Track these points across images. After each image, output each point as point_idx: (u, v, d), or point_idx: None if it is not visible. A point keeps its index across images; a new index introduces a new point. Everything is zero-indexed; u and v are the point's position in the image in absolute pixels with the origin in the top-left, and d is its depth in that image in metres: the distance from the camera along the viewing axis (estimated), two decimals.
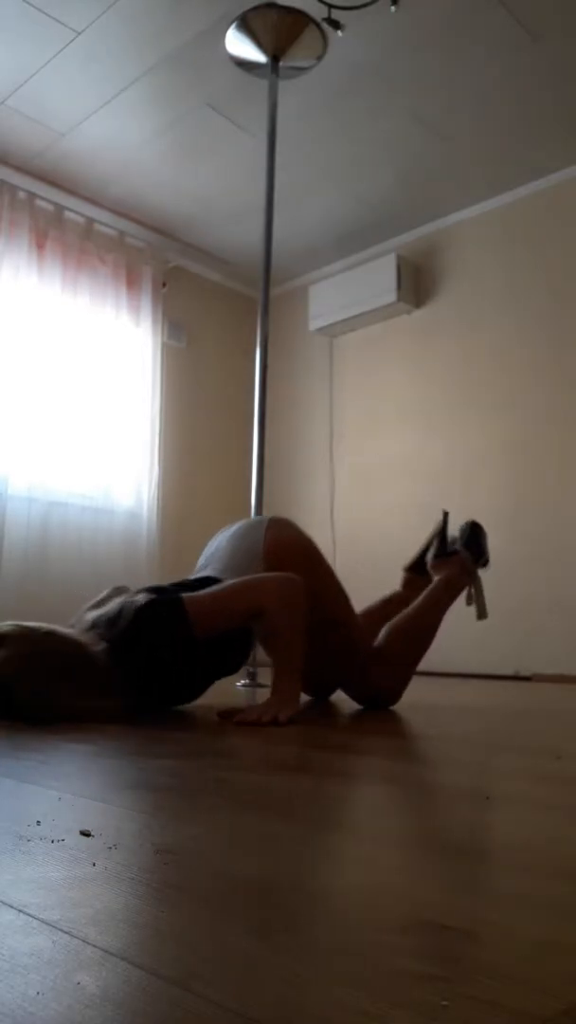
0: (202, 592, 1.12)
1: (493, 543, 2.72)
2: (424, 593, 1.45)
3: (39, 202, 2.75)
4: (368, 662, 1.35)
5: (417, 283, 3.06)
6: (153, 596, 1.11)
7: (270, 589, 1.12)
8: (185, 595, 1.10)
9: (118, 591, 1.26)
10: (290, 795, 0.59)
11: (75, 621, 1.20)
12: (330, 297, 3.15)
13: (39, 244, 2.74)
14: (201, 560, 1.38)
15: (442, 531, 1.50)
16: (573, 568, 2.53)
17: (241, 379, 3.44)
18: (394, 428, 3.09)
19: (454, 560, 1.46)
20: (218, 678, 1.22)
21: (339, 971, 0.27)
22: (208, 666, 1.17)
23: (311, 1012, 0.24)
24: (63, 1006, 0.24)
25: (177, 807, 0.54)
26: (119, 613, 1.11)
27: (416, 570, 1.56)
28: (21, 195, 2.70)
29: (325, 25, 1.95)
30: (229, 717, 1.10)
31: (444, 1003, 0.25)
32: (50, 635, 1.04)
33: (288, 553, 1.29)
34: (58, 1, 1.98)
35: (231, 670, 1.23)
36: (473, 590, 1.49)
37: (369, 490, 3.14)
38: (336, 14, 1.93)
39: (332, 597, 1.31)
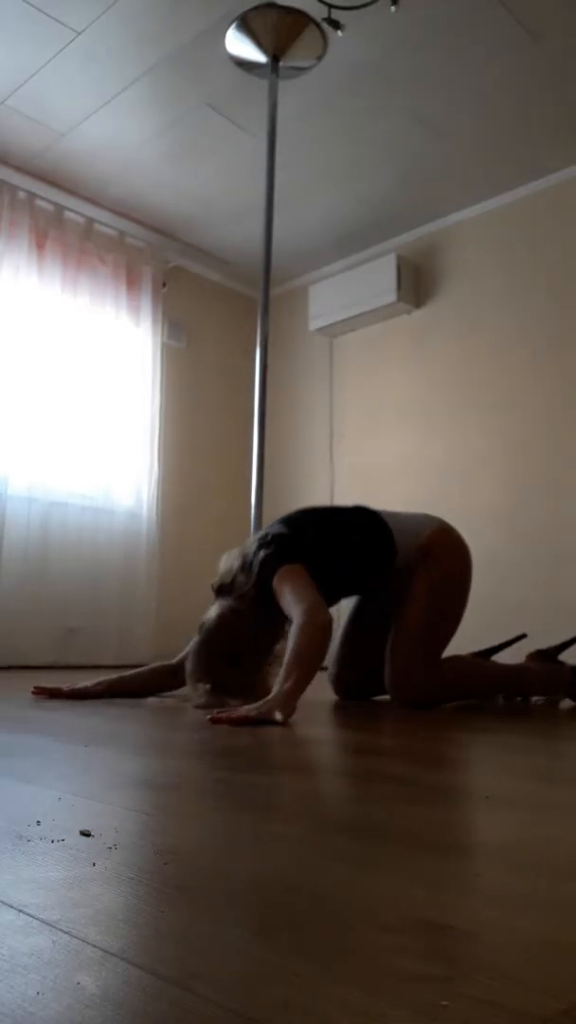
0: (293, 579, 1.26)
1: (493, 543, 2.74)
2: (518, 664, 1.54)
3: (39, 202, 2.75)
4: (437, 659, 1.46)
5: (417, 283, 3.06)
6: (277, 534, 1.35)
7: (303, 608, 1.20)
8: (283, 570, 1.27)
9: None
10: (290, 795, 0.59)
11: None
12: (330, 297, 3.15)
13: (39, 244, 2.74)
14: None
15: (500, 647, 1.62)
16: (571, 568, 2.53)
17: (241, 379, 3.44)
18: (394, 428, 3.09)
19: (556, 669, 1.53)
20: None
21: (339, 971, 0.27)
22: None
23: (311, 1012, 0.24)
24: (63, 1006, 0.24)
25: (177, 807, 0.54)
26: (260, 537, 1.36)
27: (544, 656, 1.58)
28: (21, 195, 2.70)
29: (325, 25, 1.95)
30: (210, 709, 1.15)
31: (444, 1003, 0.25)
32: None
33: (442, 552, 1.43)
34: (58, 1, 1.98)
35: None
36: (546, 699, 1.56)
37: (369, 490, 3.14)
38: (336, 14, 1.93)
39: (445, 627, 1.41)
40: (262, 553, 1.31)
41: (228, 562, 1.36)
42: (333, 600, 1.40)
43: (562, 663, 1.53)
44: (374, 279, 3.01)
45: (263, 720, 1.04)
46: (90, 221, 2.90)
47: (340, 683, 1.56)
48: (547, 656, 1.55)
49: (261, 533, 1.39)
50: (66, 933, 0.30)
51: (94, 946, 0.29)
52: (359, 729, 1.06)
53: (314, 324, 3.22)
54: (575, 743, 0.93)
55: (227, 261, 3.38)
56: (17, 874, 0.38)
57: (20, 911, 0.33)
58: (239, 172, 2.74)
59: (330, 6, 1.91)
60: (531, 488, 2.67)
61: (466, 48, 2.13)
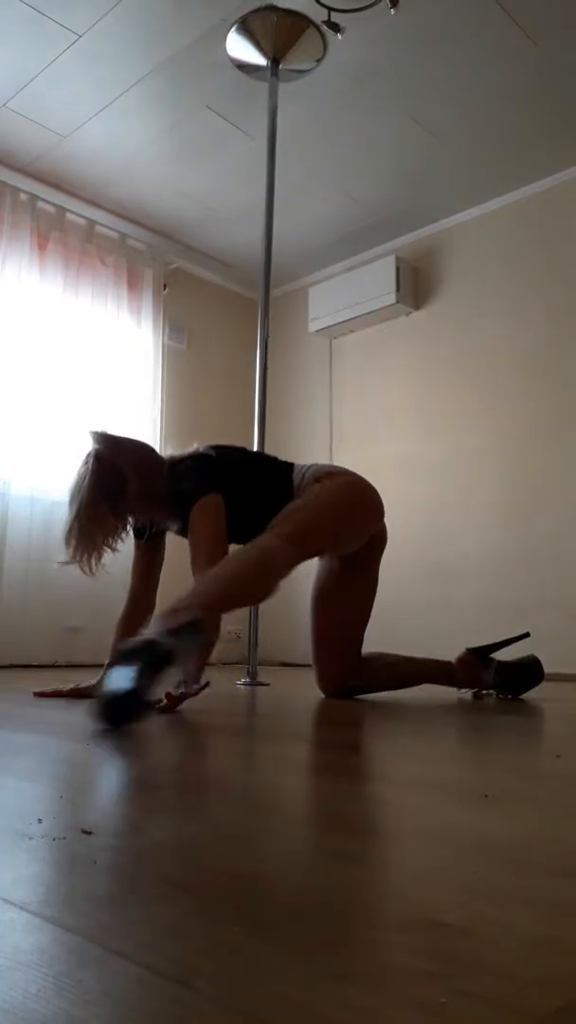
0: (206, 515, 1.34)
1: (493, 543, 2.74)
2: (435, 661, 1.58)
3: (41, 204, 2.76)
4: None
5: (416, 285, 3.06)
6: (200, 460, 1.45)
7: (196, 548, 1.29)
8: (200, 501, 1.34)
9: None
10: (290, 793, 0.59)
11: None
12: (330, 299, 3.16)
13: (41, 246, 2.75)
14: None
15: (504, 643, 1.61)
16: (571, 568, 2.53)
17: (241, 380, 3.44)
18: (393, 429, 3.09)
19: (482, 671, 1.57)
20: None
21: (338, 968, 0.27)
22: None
23: (310, 1009, 0.24)
24: (65, 1003, 0.24)
25: (177, 805, 0.54)
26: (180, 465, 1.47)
27: (477, 654, 1.59)
28: (23, 197, 2.70)
29: (325, 28, 1.95)
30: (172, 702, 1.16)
31: (443, 1000, 0.25)
32: None
33: (330, 477, 1.45)
34: (59, 4, 1.99)
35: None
36: (473, 692, 1.61)
37: None
38: (336, 17, 1.93)
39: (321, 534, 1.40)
40: (185, 484, 1.38)
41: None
42: (238, 535, 1.42)
43: (491, 661, 1.57)
44: (373, 281, 3.01)
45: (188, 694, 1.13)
46: (91, 223, 2.91)
47: (327, 683, 1.56)
48: (480, 653, 1.59)
49: (191, 450, 1.46)
50: (67, 930, 0.31)
51: (95, 943, 0.29)
52: (352, 728, 1.06)
53: (314, 325, 3.22)
54: (570, 742, 0.93)
55: (227, 263, 3.38)
56: (19, 871, 0.38)
57: (22, 908, 0.33)
58: (239, 174, 2.74)
59: (330, 9, 1.91)
60: (530, 488, 2.68)
61: (465, 51, 2.14)
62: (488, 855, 0.43)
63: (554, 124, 2.47)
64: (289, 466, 1.51)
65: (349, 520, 1.43)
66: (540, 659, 1.61)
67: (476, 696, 1.57)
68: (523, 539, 2.67)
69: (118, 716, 0.90)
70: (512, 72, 2.22)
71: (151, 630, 0.97)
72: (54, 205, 2.79)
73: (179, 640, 0.95)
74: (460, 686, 1.58)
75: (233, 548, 1.35)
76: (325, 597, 1.55)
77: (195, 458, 1.45)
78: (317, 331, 3.25)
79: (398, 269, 2.96)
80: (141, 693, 0.88)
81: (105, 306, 2.91)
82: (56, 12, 2.02)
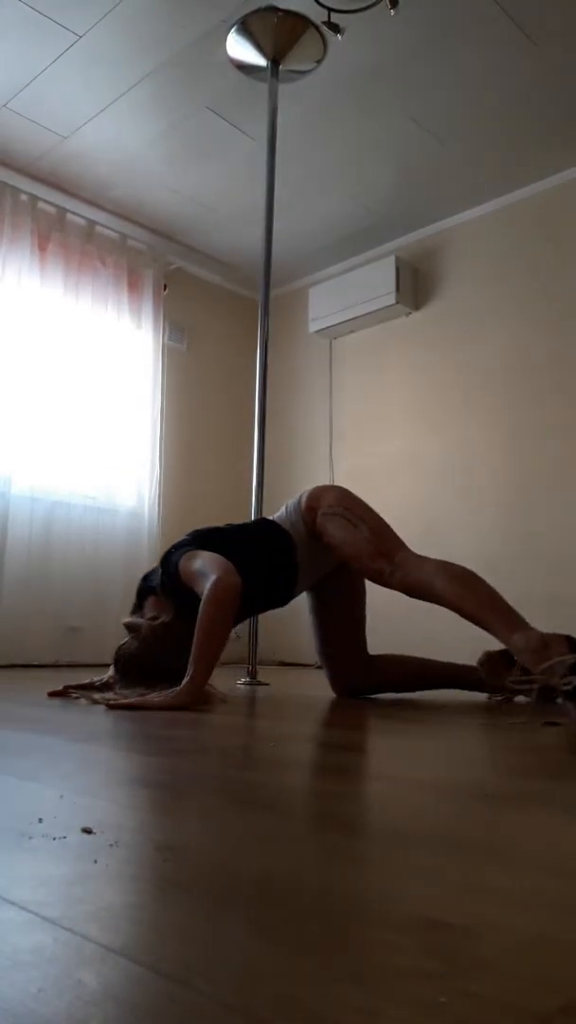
0: (195, 560, 1.30)
1: (493, 542, 2.74)
2: (453, 664, 1.55)
3: (41, 205, 2.76)
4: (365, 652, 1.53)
5: (416, 285, 3.06)
6: (178, 543, 1.39)
7: (210, 581, 1.24)
8: (185, 555, 1.32)
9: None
10: (290, 792, 0.59)
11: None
12: (330, 299, 3.16)
13: (41, 247, 2.75)
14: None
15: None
16: (571, 567, 2.53)
17: (241, 380, 3.44)
18: (393, 429, 3.09)
19: (508, 671, 1.48)
20: (254, 612, 1.43)
21: (338, 968, 0.27)
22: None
23: (310, 1008, 0.24)
24: (64, 1003, 0.24)
25: (178, 804, 0.54)
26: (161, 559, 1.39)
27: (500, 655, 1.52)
28: (23, 198, 2.71)
29: (325, 29, 1.95)
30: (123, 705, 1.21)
31: (443, 1000, 0.25)
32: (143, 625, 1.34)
33: (323, 493, 1.46)
34: (60, 5, 1.99)
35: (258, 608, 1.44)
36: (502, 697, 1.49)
37: (368, 491, 3.14)
38: (336, 17, 1.94)
39: (381, 532, 1.41)
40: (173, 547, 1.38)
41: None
42: (250, 610, 1.41)
43: (514, 663, 1.49)
44: (373, 281, 3.01)
45: (170, 707, 1.16)
46: (92, 224, 2.91)
47: (338, 684, 1.57)
48: (499, 658, 1.54)
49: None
50: (67, 930, 0.31)
51: (95, 943, 0.29)
52: (354, 728, 1.06)
53: (314, 326, 3.23)
54: (566, 741, 0.93)
55: (227, 263, 3.38)
56: (19, 871, 0.38)
57: (22, 908, 0.33)
58: (239, 175, 2.74)
59: (330, 10, 1.92)
60: (530, 488, 2.68)
61: (465, 51, 2.14)
62: (488, 855, 0.43)
63: (554, 124, 2.47)
64: (268, 521, 1.49)
65: (365, 506, 1.47)
66: None
67: (505, 701, 1.45)
68: (523, 539, 2.66)
69: None
70: (512, 72, 2.22)
71: None
72: (54, 206, 2.80)
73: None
74: (487, 690, 1.49)
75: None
76: (323, 606, 1.56)
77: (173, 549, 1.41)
78: (317, 331, 3.25)
79: (398, 269, 2.96)
80: None
81: (105, 306, 2.91)
82: (56, 13, 2.02)
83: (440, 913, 0.33)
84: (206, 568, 1.27)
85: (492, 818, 0.52)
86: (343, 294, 3.11)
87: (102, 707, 1.20)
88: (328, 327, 3.19)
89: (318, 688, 1.77)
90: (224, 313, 3.50)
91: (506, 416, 2.77)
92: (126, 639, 1.35)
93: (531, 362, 2.73)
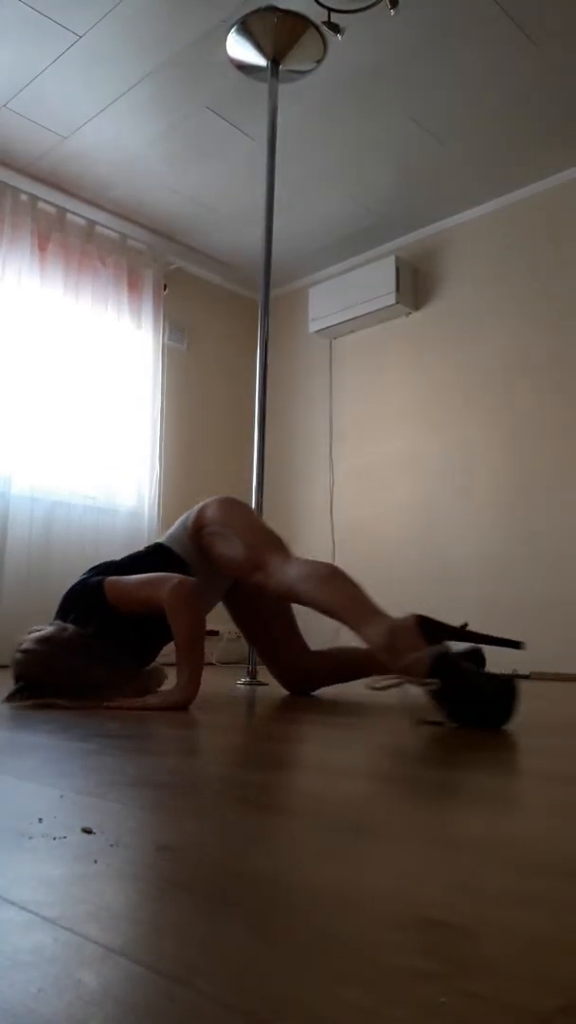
0: (125, 578, 1.30)
1: (493, 543, 2.74)
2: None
3: (41, 205, 2.76)
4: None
5: (416, 285, 3.06)
6: (84, 578, 1.34)
7: (166, 588, 1.25)
8: (108, 579, 1.29)
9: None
10: (289, 792, 0.59)
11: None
12: (330, 299, 3.16)
13: (41, 247, 2.75)
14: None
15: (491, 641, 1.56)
16: (570, 568, 2.53)
17: (241, 380, 3.45)
18: (393, 429, 3.09)
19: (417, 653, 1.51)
20: (163, 642, 1.38)
21: (338, 968, 0.27)
22: (155, 630, 1.33)
23: (310, 1008, 0.24)
24: (64, 1003, 0.24)
25: (177, 804, 0.54)
26: (64, 596, 1.35)
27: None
28: (23, 198, 2.71)
29: (325, 29, 1.95)
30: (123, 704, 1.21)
31: (443, 1000, 0.25)
32: (51, 638, 1.27)
33: (204, 510, 1.44)
34: (60, 5, 1.99)
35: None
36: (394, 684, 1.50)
37: (368, 491, 3.15)
38: (336, 17, 1.94)
39: (252, 544, 1.38)
40: (78, 580, 1.34)
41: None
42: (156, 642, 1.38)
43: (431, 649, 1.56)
44: (373, 281, 3.01)
45: (168, 708, 1.18)
46: (92, 224, 2.91)
47: (284, 682, 1.58)
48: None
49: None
50: (67, 930, 0.31)
51: (95, 943, 0.29)
52: (352, 727, 1.06)
53: (314, 326, 3.23)
54: (568, 742, 0.93)
55: (228, 263, 3.38)
56: (19, 871, 0.38)
57: (22, 908, 0.33)
58: (239, 175, 2.74)
59: (330, 10, 1.92)
60: (529, 488, 2.68)
61: (465, 51, 2.14)
62: (488, 855, 0.43)
63: (554, 124, 2.47)
64: (162, 547, 1.47)
65: (246, 510, 1.45)
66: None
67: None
68: (523, 539, 2.67)
69: None
70: (512, 72, 2.22)
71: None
72: (54, 206, 2.80)
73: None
74: None
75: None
76: (239, 616, 1.57)
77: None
78: (317, 331, 3.25)
79: (398, 269, 2.96)
80: None
81: (105, 306, 2.91)
82: (56, 13, 2.02)
83: (441, 913, 0.33)
84: (148, 579, 1.27)
85: (492, 818, 0.52)
86: (343, 294, 3.11)
87: (100, 708, 1.20)
88: (328, 327, 3.19)
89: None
90: (224, 313, 3.50)
91: (506, 416, 2.77)
92: (31, 644, 1.27)
93: (531, 362, 2.73)
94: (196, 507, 1.47)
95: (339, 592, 1.22)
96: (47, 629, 1.29)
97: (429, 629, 1.09)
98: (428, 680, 1.02)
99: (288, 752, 0.82)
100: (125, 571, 1.36)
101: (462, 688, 1.00)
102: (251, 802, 0.55)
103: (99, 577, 1.32)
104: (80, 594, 1.31)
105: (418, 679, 1.03)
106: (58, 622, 1.31)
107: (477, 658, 1.54)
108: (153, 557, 1.43)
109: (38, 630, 1.29)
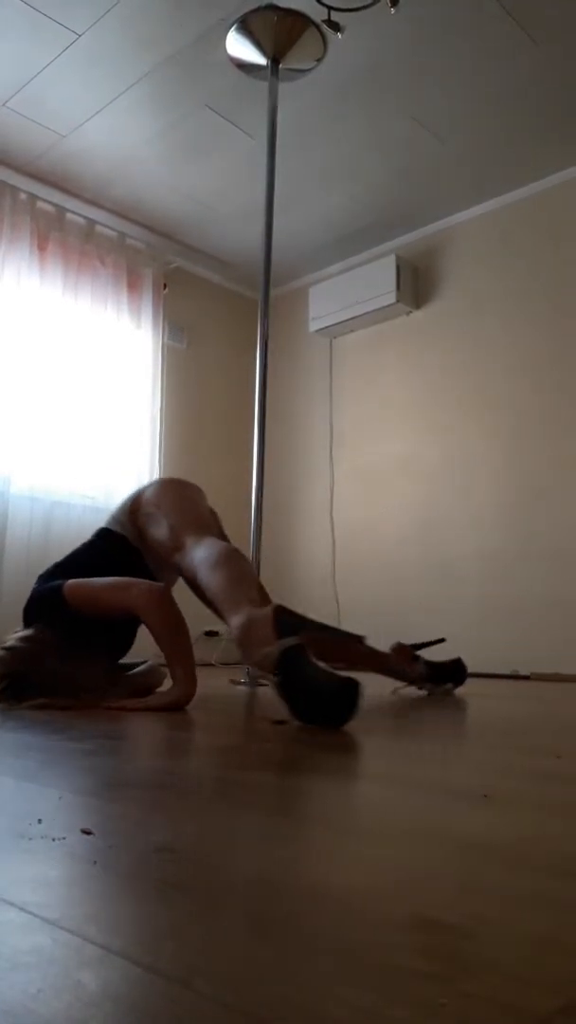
0: (86, 582, 1.28)
1: (492, 543, 2.74)
2: (372, 653, 1.58)
3: (40, 204, 2.76)
4: None
5: (416, 284, 3.06)
6: (38, 587, 1.33)
7: (134, 594, 1.23)
8: (67, 584, 1.27)
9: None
10: (288, 793, 0.59)
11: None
12: (330, 298, 3.16)
13: (41, 246, 2.75)
14: None
15: (425, 644, 1.65)
16: (570, 568, 2.53)
17: (241, 379, 3.44)
18: (393, 428, 3.09)
19: (414, 664, 1.61)
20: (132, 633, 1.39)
21: (338, 968, 0.27)
22: (120, 627, 1.34)
23: (310, 1009, 0.24)
24: (63, 1003, 0.24)
25: (176, 805, 0.54)
26: (25, 608, 1.34)
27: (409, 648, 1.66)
28: (22, 196, 2.70)
29: (325, 27, 1.95)
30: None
31: (442, 1001, 0.25)
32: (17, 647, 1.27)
33: (141, 493, 1.41)
34: (59, 3, 1.99)
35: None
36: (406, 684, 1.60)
37: (368, 490, 3.14)
38: (336, 16, 1.93)
39: (174, 525, 1.33)
40: (33, 589, 1.33)
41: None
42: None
43: (418, 658, 1.64)
44: (373, 280, 3.01)
45: (167, 708, 1.18)
46: (91, 223, 2.91)
47: None
48: (408, 652, 1.65)
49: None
50: (66, 931, 0.31)
51: (94, 944, 0.29)
52: (353, 727, 1.06)
53: (314, 325, 3.22)
54: (567, 742, 0.93)
55: (227, 262, 3.38)
56: (18, 872, 0.38)
57: (21, 909, 0.33)
58: (239, 174, 2.74)
59: (330, 8, 1.91)
60: (529, 489, 2.68)
61: (465, 50, 2.14)
62: (488, 855, 0.43)
63: (554, 123, 2.47)
64: (108, 533, 1.45)
65: (185, 500, 1.41)
66: (463, 660, 1.70)
67: (411, 684, 1.64)
68: (522, 539, 2.67)
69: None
70: (512, 71, 2.22)
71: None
72: (54, 205, 2.80)
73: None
74: (391, 675, 1.63)
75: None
76: (195, 587, 1.49)
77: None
78: (317, 330, 3.25)
79: (398, 268, 2.96)
80: None
81: (105, 305, 2.91)
82: (56, 12, 2.02)
83: (440, 914, 0.33)
84: (113, 584, 1.25)
85: (491, 819, 0.52)
86: (343, 293, 3.11)
87: (99, 709, 1.21)
88: (328, 326, 3.18)
89: None
90: (224, 312, 3.50)
91: (506, 415, 2.77)
92: (15, 641, 1.27)
93: (531, 361, 2.73)
94: (137, 488, 1.46)
95: (222, 579, 1.16)
96: (27, 631, 1.29)
97: (286, 623, 1.03)
98: (272, 676, 1.00)
99: (287, 753, 0.82)
100: (75, 569, 1.35)
101: (299, 685, 0.97)
102: (250, 803, 0.55)
103: (58, 582, 1.30)
104: (40, 601, 1.30)
105: (265, 675, 1.01)
106: (30, 629, 1.30)
107: (459, 667, 1.63)
108: (101, 543, 1.40)
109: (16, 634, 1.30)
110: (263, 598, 1.24)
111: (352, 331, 3.25)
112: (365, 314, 3.06)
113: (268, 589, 1.63)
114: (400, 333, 3.11)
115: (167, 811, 0.52)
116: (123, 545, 1.40)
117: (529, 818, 0.52)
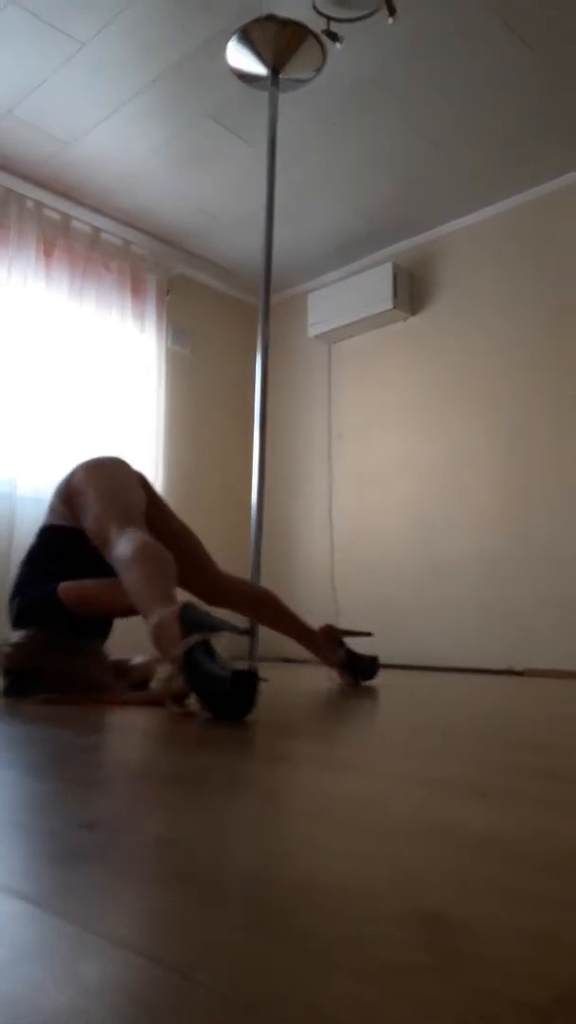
0: (79, 584, 1.29)
1: (489, 543, 2.74)
2: (300, 626, 1.64)
3: (46, 211, 2.78)
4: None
5: (413, 291, 3.09)
6: (24, 597, 1.32)
7: (107, 596, 1.29)
8: (60, 587, 1.28)
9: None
10: (289, 787, 0.59)
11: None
12: (328, 304, 3.18)
13: (47, 252, 2.78)
14: None
15: (351, 633, 1.72)
16: (565, 566, 2.53)
17: (242, 383, 3.46)
18: (391, 432, 3.10)
19: (337, 648, 1.67)
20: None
21: (337, 961, 0.28)
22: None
23: (311, 1002, 0.24)
24: (66, 996, 0.24)
25: (178, 798, 0.54)
26: (14, 620, 1.34)
27: (328, 636, 1.71)
28: (29, 204, 2.73)
29: (324, 37, 1.97)
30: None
31: (439, 993, 0.25)
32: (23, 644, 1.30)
33: (71, 478, 1.40)
34: (63, 13, 2.01)
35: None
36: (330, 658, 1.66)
37: (367, 493, 3.15)
38: (334, 26, 1.95)
39: (98, 514, 1.30)
40: (15, 605, 1.34)
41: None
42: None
43: (343, 644, 1.69)
44: (371, 287, 3.03)
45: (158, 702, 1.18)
46: (96, 230, 2.93)
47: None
48: (336, 634, 1.69)
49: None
50: (69, 923, 0.31)
51: (96, 936, 0.30)
52: (350, 721, 1.06)
53: (313, 330, 3.24)
54: (565, 742, 0.93)
55: (229, 269, 3.40)
56: (20, 865, 0.38)
57: (23, 901, 0.33)
58: (240, 182, 2.76)
59: (329, 19, 1.94)
60: (526, 490, 2.68)
61: (462, 59, 2.16)
62: (488, 852, 0.43)
63: (550, 131, 2.49)
64: (54, 529, 1.43)
65: (110, 483, 1.37)
66: (379, 657, 1.78)
67: (329, 667, 1.69)
68: (520, 539, 2.67)
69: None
70: (509, 80, 2.24)
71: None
72: (59, 212, 2.82)
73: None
74: (314, 651, 1.66)
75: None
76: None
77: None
78: (316, 336, 3.27)
79: (395, 276, 2.98)
80: None
81: (109, 311, 2.93)
82: (60, 21, 2.04)
83: (437, 908, 0.33)
84: (109, 584, 1.28)
85: (488, 814, 0.52)
86: (342, 300, 3.13)
87: (102, 703, 1.21)
88: (327, 332, 3.20)
89: (318, 683, 1.77)
90: (225, 318, 3.52)
91: (502, 419, 2.78)
92: (20, 638, 1.30)
93: (527, 366, 2.74)
94: (68, 473, 1.41)
95: (135, 578, 1.12)
96: (28, 631, 1.31)
97: (189, 621, 1.04)
98: (180, 673, 1.02)
99: (289, 746, 0.83)
100: (44, 578, 1.33)
101: (202, 681, 1.00)
102: (250, 796, 0.55)
103: (50, 587, 1.31)
104: (33, 608, 1.31)
105: (175, 672, 1.03)
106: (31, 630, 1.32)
107: (374, 664, 1.68)
108: (50, 543, 1.38)
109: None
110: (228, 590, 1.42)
111: (350, 336, 3.26)
112: (363, 320, 3.08)
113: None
114: (397, 338, 3.12)
115: (168, 803, 0.52)
116: (71, 537, 1.37)
117: (524, 814, 0.52)
